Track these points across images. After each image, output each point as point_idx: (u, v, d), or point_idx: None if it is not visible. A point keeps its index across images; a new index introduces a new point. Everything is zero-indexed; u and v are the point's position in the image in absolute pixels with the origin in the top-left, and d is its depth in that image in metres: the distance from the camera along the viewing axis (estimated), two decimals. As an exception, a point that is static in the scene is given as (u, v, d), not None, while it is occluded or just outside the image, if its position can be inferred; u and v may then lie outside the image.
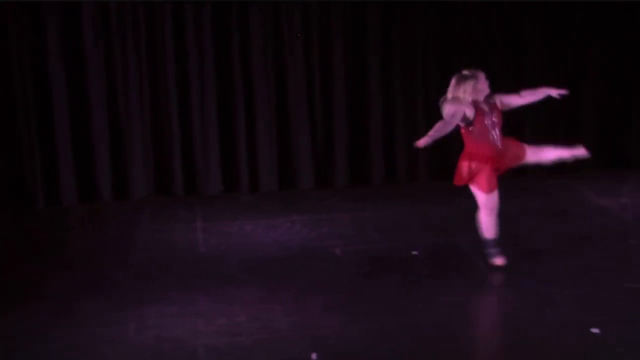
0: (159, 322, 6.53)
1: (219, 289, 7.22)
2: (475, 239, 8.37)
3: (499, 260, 7.58)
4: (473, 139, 7.41)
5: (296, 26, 10.35)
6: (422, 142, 7.29)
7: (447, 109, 7.31)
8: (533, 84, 10.13)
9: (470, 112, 7.31)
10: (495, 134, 7.39)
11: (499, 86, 10.73)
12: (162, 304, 6.90)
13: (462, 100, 7.27)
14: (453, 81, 7.31)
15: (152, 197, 10.42)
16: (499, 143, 7.39)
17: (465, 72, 7.36)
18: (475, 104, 7.32)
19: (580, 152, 7.63)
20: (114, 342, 6.20)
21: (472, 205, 9.62)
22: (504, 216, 8.93)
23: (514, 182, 10.42)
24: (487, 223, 7.55)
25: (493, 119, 7.36)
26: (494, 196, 7.43)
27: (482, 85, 7.36)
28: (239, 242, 8.65)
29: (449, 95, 7.32)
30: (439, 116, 10.75)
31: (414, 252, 8.09)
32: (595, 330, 6.18)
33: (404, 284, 7.33)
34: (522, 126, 10.51)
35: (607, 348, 5.92)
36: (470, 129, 7.37)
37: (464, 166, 7.49)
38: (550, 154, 7.63)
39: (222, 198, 10.43)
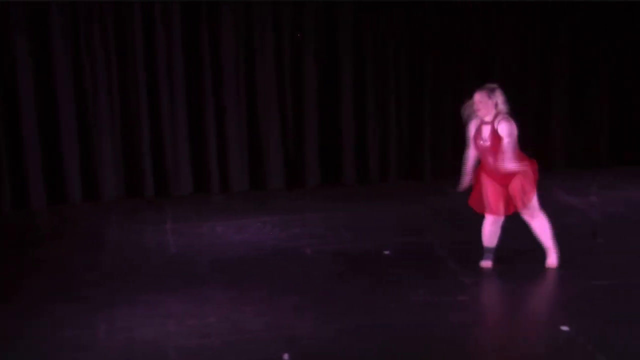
0: (130, 324, 6.49)
1: (190, 290, 7.18)
2: (447, 238, 8.41)
3: (484, 263, 7.56)
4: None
5: (267, 26, 10.32)
6: (465, 185, 7.43)
7: (469, 130, 7.33)
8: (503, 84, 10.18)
9: (472, 131, 7.29)
10: (490, 158, 7.21)
11: (468, 86, 10.85)
12: (133, 305, 6.86)
13: (473, 114, 7.19)
14: (488, 94, 7.14)
15: (123, 198, 10.36)
16: (492, 165, 7.20)
17: (491, 85, 7.21)
18: (478, 123, 7.23)
19: (551, 260, 7.49)
20: (85, 344, 6.16)
21: (444, 205, 9.69)
22: (471, 216, 8.99)
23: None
24: (485, 230, 7.51)
25: (486, 143, 7.19)
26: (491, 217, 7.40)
27: (486, 105, 7.14)
28: (210, 243, 8.62)
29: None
30: (409, 116, 10.84)
31: (386, 252, 8.10)
32: (564, 328, 6.23)
33: (376, 283, 7.34)
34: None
35: (577, 345, 5.96)
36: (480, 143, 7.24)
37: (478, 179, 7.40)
38: (538, 227, 7.42)
39: (192, 199, 10.39)
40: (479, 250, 7.93)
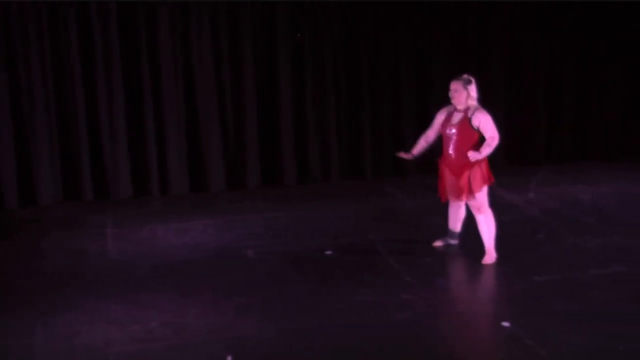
0: (71, 330, 6.39)
1: (131, 295, 7.11)
2: (389, 237, 8.45)
3: (437, 242, 8.05)
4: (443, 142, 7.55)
5: (205, 27, 10.27)
6: (405, 156, 7.84)
7: (435, 117, 7.63)
8: (440, 81, 10.35)
9: (440, 118, 7.54)
10: (452, 146, 7.43)
11: (404, 85, 10.93)
12: (73, 311, 6.76)
13: (472, 101, 7.40)
14: (462, 84, 7.38)
15: (61, 202, 10.21)
16: (452, 155, 7.45)
17: (465, 76, 7.44)
18: (449, 111, 7.47)
19: (486, 259, 7.64)
20: (25, 352, 6.06)
21: (386, 205, 9.74)
22: (412, 214, 9.05)
23: (421, 179, 10.58)
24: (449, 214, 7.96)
25: (453, 131, 7.40)
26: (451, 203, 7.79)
27: (460, 95, 7.37)
28: (151, 247, 8.54)
29: None
30: (349, 116, 10.88)
31: (328, 252, 8.12)
32: (506, 324, 6.30)
33: (319, 284, 7.35)
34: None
35: (517, 341, 6.04)
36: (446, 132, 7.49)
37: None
38: (483, 223, 7.61)
39: (132, 202, 10.29)
40: (422, 248, 8.03)
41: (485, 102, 11.19)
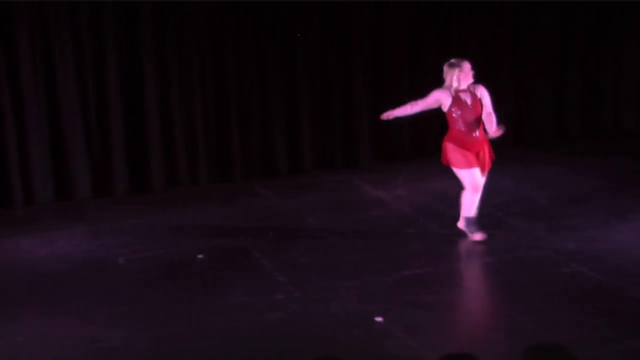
0: None
1: (-5, 310, 6.87)
2: (260, 238, 8.44)
3: (478, 236, 8.00)
4: (454, 123, 7.82)
5: (66, 29, 9.95)
6: (385, 116, 8.00)
7: (432, 93, 7.87)
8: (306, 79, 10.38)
9: (447, 100, 7.78)
10: (472, 122, 7.77)
11: (272, 85, 10.90)
12: None
13: (448, 87, 7.77)
14: (445, 68, 7.83)
15: None
16: (476, 132, 7.79)
17: (452, 60, 7.83)
18: (456, 92, 7.77)
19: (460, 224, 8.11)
20: None
21: (256, 206, 9.72)
22: (283, 215, 9.07)
23: (292, 179, 10.62)
24: (467, 201, 7.95)
25: (470, 107, 7.76)
26: (472, 173, 7.84)
27: (466, 75, 7.76)
28: (16, 259, 8.26)
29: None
30: (217, 118, 10.78)
31: (200, 256, 8.04)
32: (378, 319, 6.38)
33: (191, 288, 7.27)
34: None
35: (390, 334, 6.13)
36: (453, 114, 7.78)
37: (447, 148, 7.90)
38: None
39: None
40: (292, 248, 8.05)
41: (351, 100, 11.29)
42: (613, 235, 7.98)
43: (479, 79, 8.05)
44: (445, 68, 7.84)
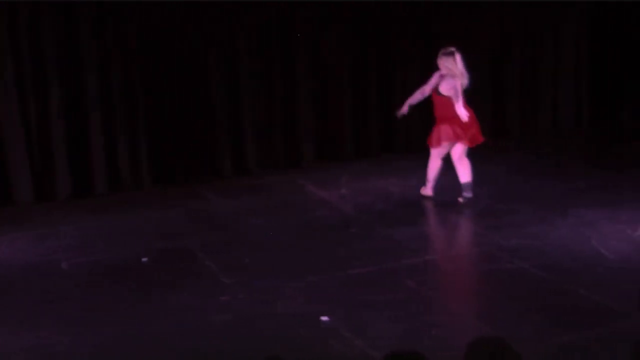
0: None
1: None
2: (205, 240, 8.43)
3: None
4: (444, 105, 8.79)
5: (3, 27, 9.76)
6: (400, 113, 9.12)
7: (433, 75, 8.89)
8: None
9: (434, 81, 8.84)
10: (462, 104, 8.71)
11: (212, 85, 10.86)
12: None
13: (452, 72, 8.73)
14: (443, 57, 8.77)
15: None
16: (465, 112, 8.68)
17: (451, 48, 8.77)
18: (442, 77, 8.77)
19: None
20: None
21: (200, 208, 9.69)
22: (227, 216, 9.06)
23: (237, 181, 10.62)
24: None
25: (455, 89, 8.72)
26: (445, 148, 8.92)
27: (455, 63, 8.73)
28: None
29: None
30: (157, 120, 10.65)
31: (144, 259, 7.99)
32: (324, 319, 6.42)
33: (136, 291, 7.24)
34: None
35: (335, 333, 6.17)
36: (443, 97, 8.73)
37: (444, 129, 8.85)
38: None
39: None
40: (237, 249, 8.05)
41: (294, 98, 11.31)
42: (554, 231, 8.13)
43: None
44: (439, 56, 8.76)
